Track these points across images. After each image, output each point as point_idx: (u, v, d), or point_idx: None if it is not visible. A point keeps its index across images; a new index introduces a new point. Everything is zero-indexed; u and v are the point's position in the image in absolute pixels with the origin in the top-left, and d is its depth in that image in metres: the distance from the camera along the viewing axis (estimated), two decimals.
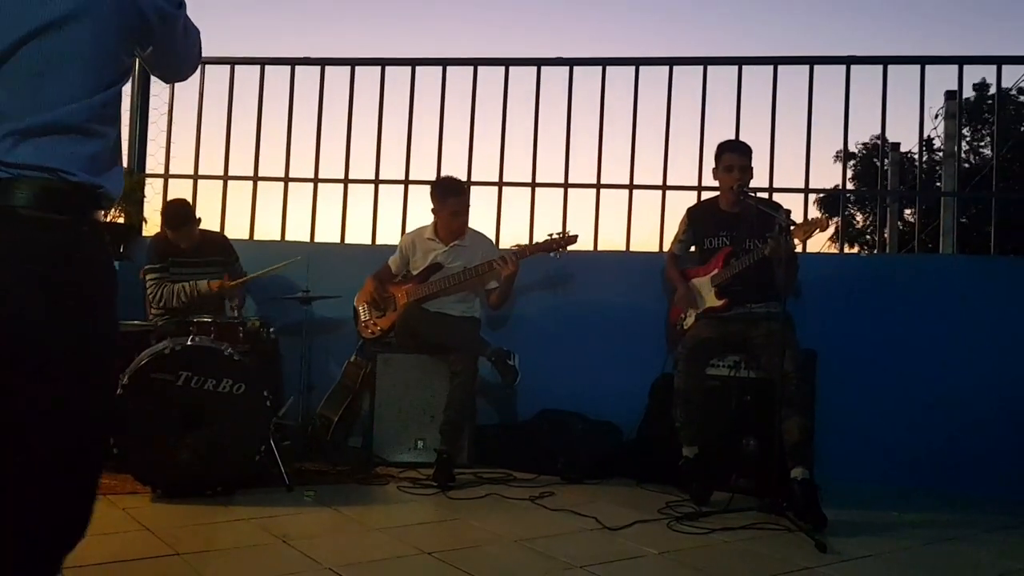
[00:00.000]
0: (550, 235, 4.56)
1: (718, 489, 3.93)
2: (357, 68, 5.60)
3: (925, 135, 5.26)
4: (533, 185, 5.39)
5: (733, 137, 4.80)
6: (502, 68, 5.46)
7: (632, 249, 5.23)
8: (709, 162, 4.46)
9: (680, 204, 5.03)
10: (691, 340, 4.09)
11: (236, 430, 3.60)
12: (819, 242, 23.62)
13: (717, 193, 4.36)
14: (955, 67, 5.12)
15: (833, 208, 11.93)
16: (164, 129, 5.62)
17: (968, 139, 18.93)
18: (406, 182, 5.53)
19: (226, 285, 4.58)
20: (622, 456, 4.45)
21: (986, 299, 4.60)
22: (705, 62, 5.24)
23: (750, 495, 3.84)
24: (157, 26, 1.57)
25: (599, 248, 5.26)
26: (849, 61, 5.07)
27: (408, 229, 5.19)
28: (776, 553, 3.12)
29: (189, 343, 3.70)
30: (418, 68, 5.55)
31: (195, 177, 5.66)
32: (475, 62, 5.50)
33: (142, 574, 2.67)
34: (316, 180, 5.61)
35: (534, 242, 4.60)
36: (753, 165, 4.22)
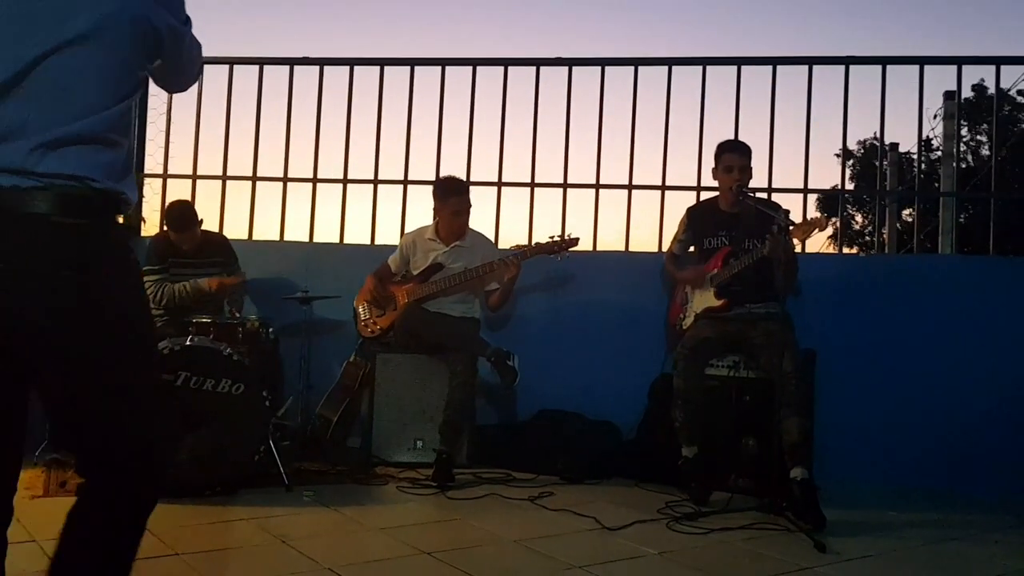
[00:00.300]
0: (551, 237, 4.56)
1: (717, 489, 3.93)
2: (356, 68, 5.60)
3: (924, 135, 5.26)
4: (532, 185, 5.39)
5: (732, 137, 4.80)
6: (501, 68, 5.45)
7: (631, 249, 5.23)
8: (708, 162, 4.47)
9: (679, 204, 5.04)
10: (690, 340, 4.09)
11: (235, 430, 3.60)
12: (818, 242, 23.67)
13: (716, 193, 4.36)
14: (954, 67, 5.12)
15: (832, 208, 11.94)
16: (163, 129, 5.62)
17: (966, 139, 18.96)
18: (405, 182, 5.53)
19: (225, 282, 4.58)
20: (621, 456, 4.45)
21: (985, 299, 4.60)
22: (704, 62, 5.24)
23: (749, 495, 3.84)
24: (168, 41, 1.64)
25: (598, 248, 5.26)
26: (848, 61, 5.07)
27: (407, 229, 5.19)
28: (775, 553, 3.12)
29: (188, 343, 3.69)
30: (417, 68, 5.55)
31: (193, 177, 5.66)
32: (474, 62, 5.50)
33: (142, 574, 2.66)
34: (315, 180, 5.61)
35: (535, 244, 4.60)
36: (752, 165, 4.22)
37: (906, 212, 18.38)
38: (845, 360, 4.48)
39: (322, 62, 5.60)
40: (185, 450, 3.50)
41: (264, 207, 5.63)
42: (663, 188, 5.24)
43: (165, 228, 4.80)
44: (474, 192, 5.00)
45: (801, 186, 5.14)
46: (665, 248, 4.67)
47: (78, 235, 1.47)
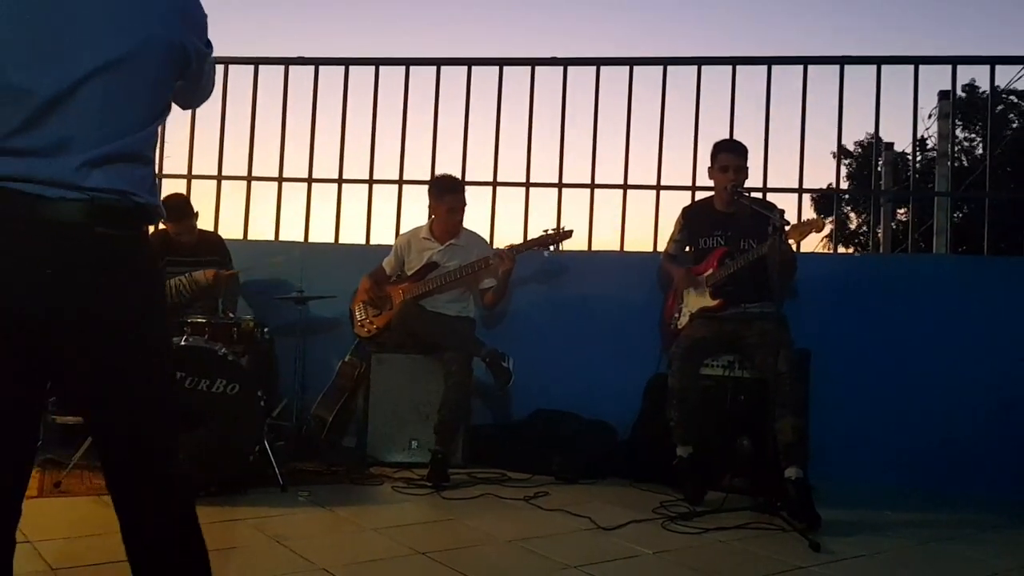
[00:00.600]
0: (545, 231, 4.59)
1: (712, 489, 3.93)
2: (351, 68, 5.60)
3: (918, 135, 5.27)
4: (527, 185, 5.39)
5: (727, 137, 4.80)
6: (496, 68, 5.45)
7: (626, 249, 5.23)
8: (703, 162, 4.47)
9: (674, 204, 5.04)
10: (685, 340, 4.10)
11: (230, 431, 3.59)
12: (813, 242, 23.68)
13: (712, 193, 4.37)
14: (948, 67, 5.14)
15: (827, 208, 11.97)
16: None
17: (960, 139, 19.01)
18: (400, 182, 5.53)
19: (222, 275, 4.54)
20: (616, 456, 4.45)
21: (979, 299, 4.61)
22: (699, 62, 5.25)
23: (744, 495, 3.84)
24: (194, 63, 1.72)
25: (593, 248, 5.27)
26: (843, 61, 5.08)
27: (403, 229, 5.20)
28: (770, 552, 3.12)
29: (183, 343, 3.69)
30: (412, 68, 5.55)
31: (189, 177, 5.65)
32: (469, 62, 5.50)
33: None
34: (310, 180, 5.61)
35: (529, 239, 4.61)
36: (748, 165, 4.23)
37: (901, 211, 18.44)
38: (840, 360, 4.49)
39: (317, 62, 5.59)
40: (180, 450, 3.49)
41: (259, 207, 5.63)
42: (658, 188, 5.24)
43: (161, 225, 4.79)
44: (469, 192, 5.01)
45: (796, 186, 5.14)
46: (660, 248, 4.68)
47: (118, 246, 1.55)
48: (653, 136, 5.26)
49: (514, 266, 4.50)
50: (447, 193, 4.64)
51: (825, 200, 12.02)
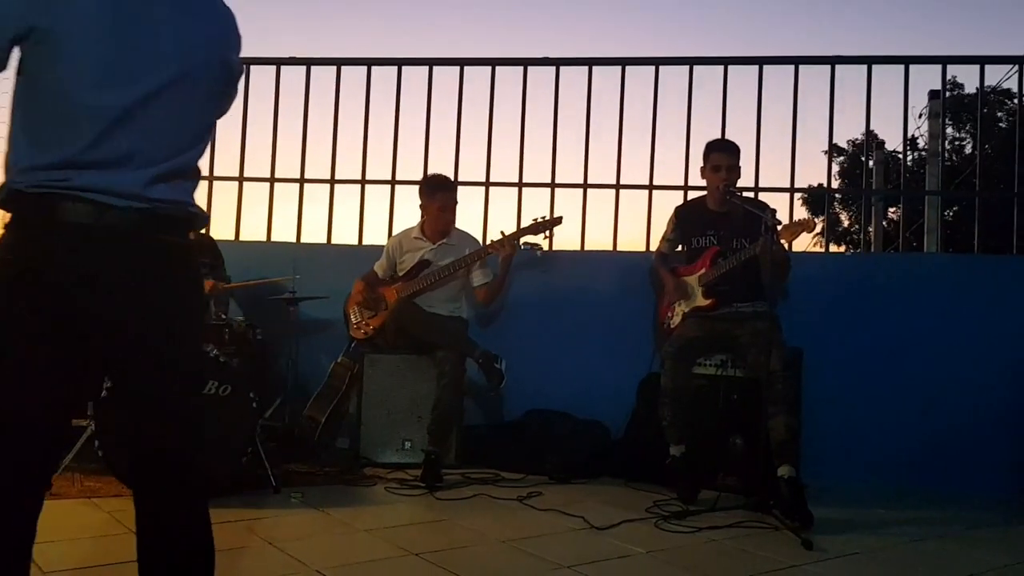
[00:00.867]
0: (535, 219, 4.61)
1: (705, 488, 3.94)
2: (343, 68, 5.59)
3: (909, 134, 5.29)
4: (520, 185, 5.39)
5: (719, 137, 4.81)
6: (488, 68, 5.45)
7: (619, 249, 5.24)
8: (696, 161, 4.48)
9: (667, 204, 5.04)
10: (678, 339, 4.10)
11: (222, 432, 3.58)
12: (804, 241, 23.77)
13: (704, 192, 4.37)
14: (938, 67, 5.15)
15: (818, 207, 11.99)
16: None
17: (951, 137, 19.08)
18: (393, 182, 5.52)
19: (220, 287, 4.50)
20: (610, 455, 4.46)
21: (970, 297, 4.63)
22: (691, 62, 5.25)
23: (737, 494, 3.86)
24: (233, 82, 1.85)
25: (586, 248, 5.27)
26: (834, 61, 5.09)
27: (395, 229, 5.19)
28: (763, 551, 3.13)
29: None
30: (405, 68, 5.54)
31: None
32: (462, 62, 5.50)
33: None
34: (302, 180, 5.60)
35: (521, 227, 4.64)
36: (740, 165, 4.24)
37: (892, 210, 18.50)
38: (832, 358, 4.50)
39: (309, 62, 5.58)
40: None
41: (251, 208, 5.62)
42: (651, 187, 5.25)
43: None
44: (462, 192, 5.01)
45: (787, 185, 5.16)
46: (653, 247, 4.69)
47: (176, 252, 1.69)
48: (645, 136, 5.27)
49: (515, 252, 4.50)
50: (439, 191, 4.64)
51: (816, 199, 12.08)
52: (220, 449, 3.57)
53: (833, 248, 18.88)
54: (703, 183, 4.36)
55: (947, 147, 16.63)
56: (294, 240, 5.51)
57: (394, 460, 4.44)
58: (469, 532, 3.33)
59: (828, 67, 5.09)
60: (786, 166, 5.16)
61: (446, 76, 5.51)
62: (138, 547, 1.72)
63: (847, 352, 4.62)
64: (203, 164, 1.83)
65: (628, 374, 4.54)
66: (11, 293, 1.59)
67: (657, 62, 5.28)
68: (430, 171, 5.29)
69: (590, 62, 5.37)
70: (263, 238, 5.56)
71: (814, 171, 8.55)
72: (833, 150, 5.49)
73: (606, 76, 5.38)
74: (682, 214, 4.42)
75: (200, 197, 1.80)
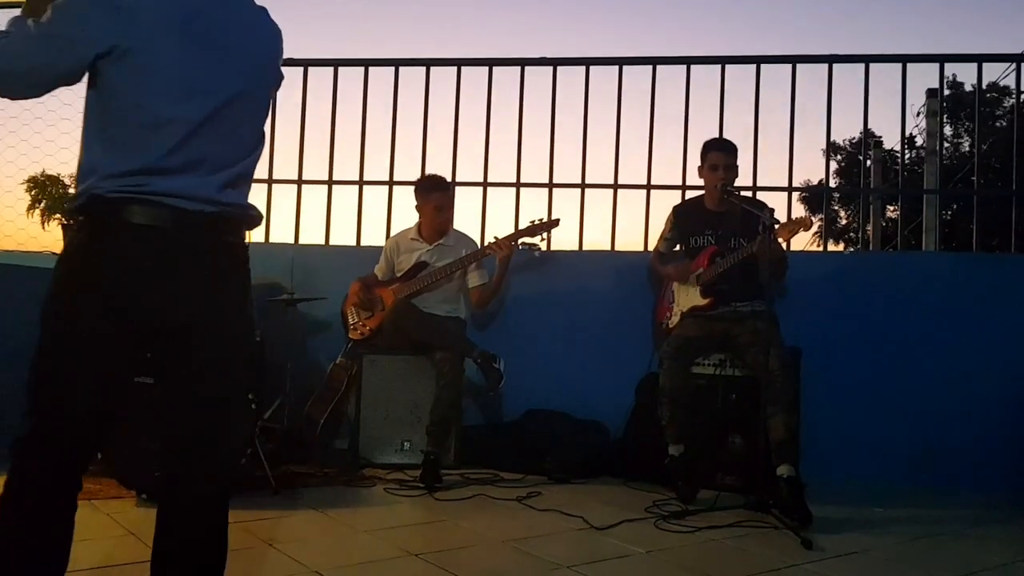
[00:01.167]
0: (532, 221, 4.61)
1: (704, 487, 3.94)
2: (340, 69, 5.59)
3: (907, 132, 5.29)
4: (518, 185, 5.39)
5: (717, 136, 4.81)
6: (486, 68, 5.45)
7: (617, 249, 5.23)
8: (693, 161, 4.48)
9: (665, 203, 5.05)
10: (676, 339, 4.10)
11: None
12: (803, 240, 23.77)
13: (702, 192, 4.37)
14: (936, 65, 5.16)
15: (816, 205, 11.99)
16: None
17: (949, 136, 19.08)
18: (390, 183, 5.52)
19: None
20: (609, 455, 4.46)
21: (969, 295, 4.63)
22: (688, 61, 5.25)
23: (736, 493, 3.86)
24: (276, 91, 2.03)
25: (584, 248, 5.27)
26: (831, 60, 5.09)
27: (393, 230, 5.19)
28: (762, 550, 3.13)
29: None
30: (401, 68, 5.54)
31: None
32: (458, 62, 5.50)
33: None
34: (300, 181, 5.59)
35: (518, 229, 4.64)
36: (738, 164, 4.24)
37: (890, 209, 18.51)
38: (831, 357, 4.51)
39: (306, 63, 5.58)
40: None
41: None
42: (648, 187, 5.25)
43: None
44: (459, 192, 5.00)
45: (785, 184, 5.16)
46: (651, 247, 4.69)
47: (238, 252, 1.84)
48: (643, 135, 5.27)
49: (512, 254, 4.50)
50: (434, 191, 4.64)
51: (814, 198, 12.07)
52: None
53: (831, 247, 18.94)
54: (701, 182, 4.36)
55: (945, 145, 16.64)
56: (292, 241, 5.51)
57: (393, 461, 4.43)
58: (468, 533, 3.33)
59: (826, 66, 5.09)
60: (784, 165, 5.17)
61: (443, 76, 5.51)
62: (156, 544, 1.79)
63: (846, 351, 4.62)
64: None
65: (627, 374, 4.54)
66: (81, 293, 1.70)
67: (654, 62, 5.28)
68: (428, 172, 5.29)
69: (587, 62, 5.37)
70: (261, 239, 5.55)
71: (812, 170, 8.57)
72: (831, 149, 5.49)
73: (603, 76, 5.38)
74: (680, 213, 4.42)
75: None
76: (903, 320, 4.64)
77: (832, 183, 18.85)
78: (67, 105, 4.46)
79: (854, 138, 20.49)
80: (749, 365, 3.97)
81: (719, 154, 4.20)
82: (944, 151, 17.44)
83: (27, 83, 1.67)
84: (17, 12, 1.76)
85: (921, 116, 12.94)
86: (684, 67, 5.24)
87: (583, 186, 5.32)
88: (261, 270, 5.09)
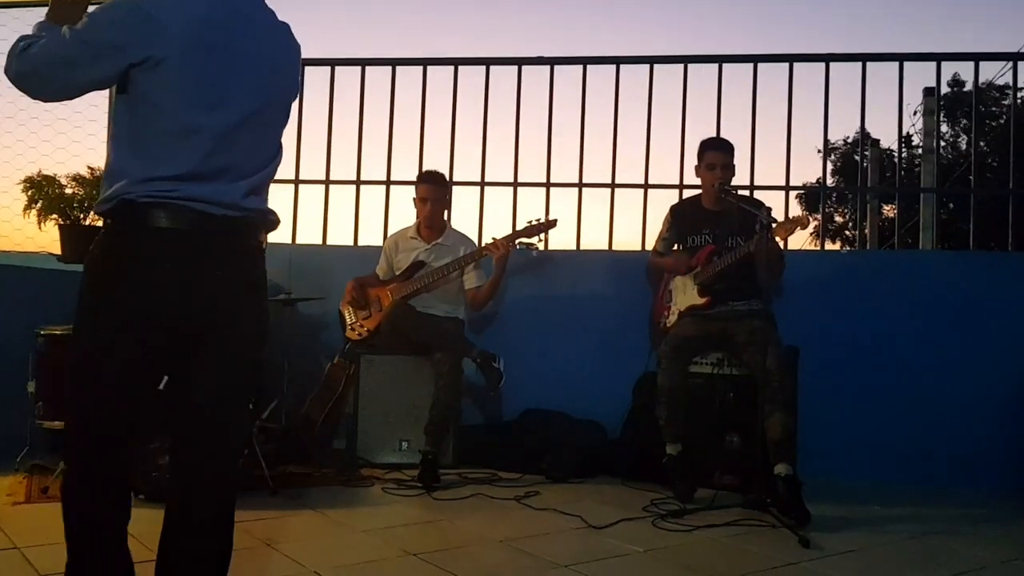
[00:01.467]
0: (529, 221, 4.61)
1: (702, 486, 3.94)
2: (337, 68, 5.58)
3: (904, 131, 5.29)
4: (515, 185, 5.39)
5: (714, 135, 4.81)
6: (483, 68, 5.45)
7: (615, 248, 5.23)
8: (691, 160, 4.48)
9: (662, 203, 5.05)
10: (673, 339, 4.10)
11: None
12: (800, 238, 23.79)
13: (700, 191, 4.37)
14: (933, 64, 5.16)
15: (813, 205, 12.01)
16: None
17: (946, 135, 19.09)
18: (387, 183, 5.52)
19: None
20: (607, 454, 4.46)
21: (966, 294, 4.63)
22: (685, 60, 5.25)
23: (734, 492, 3.86)
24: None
25: (582, 247, 5.27)
26: (828, 58, 5.09)
27: (390, 230, 5.19)
28: (760, 549, 3.13)
29: None
30: (398, 68, 5.54)
31: None
32: (456, 62, 5.49)
33: None
34: (297, 181, 5.59)
35: (516, 230, 4.64)
36: (735, 163, 4.24)
37: (887, 208, 18.52)
38: (828, 356, 4.51)
39: (303, 63, 5.56)
40: (167, 454, 3.48)
41: None
42: (646, 186, 5.24)
43: None
44: (457, 192, 4.99)
45: (782, 183, 5.16)
46: (648, 246, 4.68)
47: (259, 254, 1.93)
48: (640, 135, 5.27)
49: (509, 253, 4.50)
50: (421, 183, 4.70)
51: (811, 196, 12.09)
52: None
53: (829, 245, 18.95)
54: (698, 182, 4.36)
55: (942, 144, 16.66)
56: (289, 241, 5.50)
57: (391, 461, 4.43)
58: (467, 532, 3.33)
59: (823, 64, 5.09)
60: (781, 164, 5.17)
61: (441, 76, 5.51)
62: (164, 541, 1.86)
63: (843, 349, 4.62)
64: None
65: (624, 373, 4.55)
66: (109, 294, 1.78)
67: (651, 60, 5.29)
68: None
69: (584, 61, 5.37)
70: None
71: (809, 169, 8.58)
72: (828, 148, 5.49)
73: (600, 75, 5.38)
74: (678, 213, 4.42)
75: None
76: (900, 319, 4.64)
77: (828, 183, 18.88)
78: (64, 105, 4.46)
79: (849, 137, 20.55)
80: (747, 364, 3.97)
81: (716, 153, 4.20)
82: (942, 149, 17.46)
83: (60, 86, 1.77)
84: (15, 12, 1.79)
85: (918, 115, 12.96)
86: (681, 66, 5.24)
87: (580, 185, 5.32)
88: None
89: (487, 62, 5.46)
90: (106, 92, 2.85)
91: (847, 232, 22.59)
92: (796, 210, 12.39)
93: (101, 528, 1.83)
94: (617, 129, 5.30)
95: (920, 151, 13.63)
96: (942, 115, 15.80)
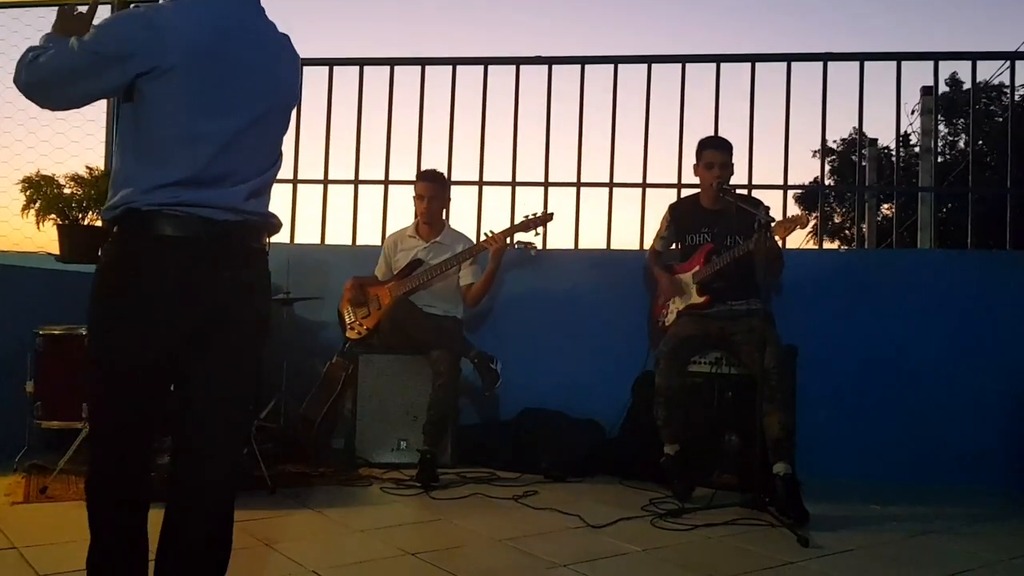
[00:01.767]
0: (526, 216, 4.62)
1: (701, 485, 3.94)
2: (336, 68, 5.58)
3: (902, 130, 5.30)
4: (513, 184, 5.39)
5: (712, 134, 4.80)
6: (481, 67, 5.45)
7: (613, 247, 5.23)
8: (689, 159, 4.48)
9: (660, 202, 5.05)
10: (672, 339, 4.10)
11: None
12: (798, 237, 23.80)
13: (698, 190, 4.37)
14: (931, 63, 5.16)
15: (812, 203, 12.01)
16: None
17: (944, 133, 19.09)
18: (386, 182, 5.52)
19: None
20: (605, 454, 4.46)
21: (964, 293, 4.64)
22: (683, 59, 5.25)
23: (732, 491, 3.86)
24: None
25: (580, 247, 5.27)
26: (826, 58, 5.10)
27: (389, 230, 5.19)
28: (759, 548, 3.14)
29: None
30: (397, 68, 5.54)
31: None
32: (454, 61, 5.50)
33: None
34: (295, 181, 5.59)
35: (513, 224, 4.66)
36: (733, 162, 4.24)
37: (885, 207, 18.53)
38: (827, 355, 4.51)
39: (302, 62, 5.55)
40: (165, 453, 3.47)
41: None
42: (644, 186, 5.25)
43: None
44: (455, 191, 4.99)
45: (780, 182, 5.16)
46: (647, 245, 4.69)
47: (261, 256, 1.97)
48: (638, 134, 5.27)
49: (506, 247, 4.50)
50: (418, 180, 4.73)
51: (809, 196, 12.10)
52: None
53: (827, 244, 18.97)
54: (696, 181, 4.36)
55: (940, 143, 16.66)
56: (287, 240, 5.50)
57: (390, 460, 4.43)
58: (465, 531, 3.33)
59: (820, 64, 5.09)
60: (779, 163, 5.17)
61: (439, 75, 5.51)
62: (163, 538, 1.89)
63: (842, 349, 4.63)
64: None
65: (623, 373, 4.55)
66: (119, 301, 1.82)
67: (649, 60, 5.28)
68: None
69: (582, 60, 5.37)
70: None
71: (807, 168, 8.58)
72: (826, 147, 5.49)
73: (598, 74, 5.38)
74: (676, 211, 4.42)
75: None
76: (898, 317, 4.64)
77: (827, 182, 18.88)
78: None
79: (846, 138, 20.55)
80: (745, 363, 3.97)
81: (715, 152, 4.21)
82: (941, 148, 17.47)
83: (68, 96, 1.83)
84: (14, 12, 1.81)
85: (916, 114, 12.96)
86: (679, 66, 5.24)
87: (579, 184, 5.32)
88: None
89: (485, 62, 5.46)
90: None
91: (846, 231, 22.61)
92: (794, 209, 12.36)
93: (121, 521, 1.90)
94: (615, 128, 5.31)
95: (918, 150, 13.64)
96: (940, 115, 15.82)
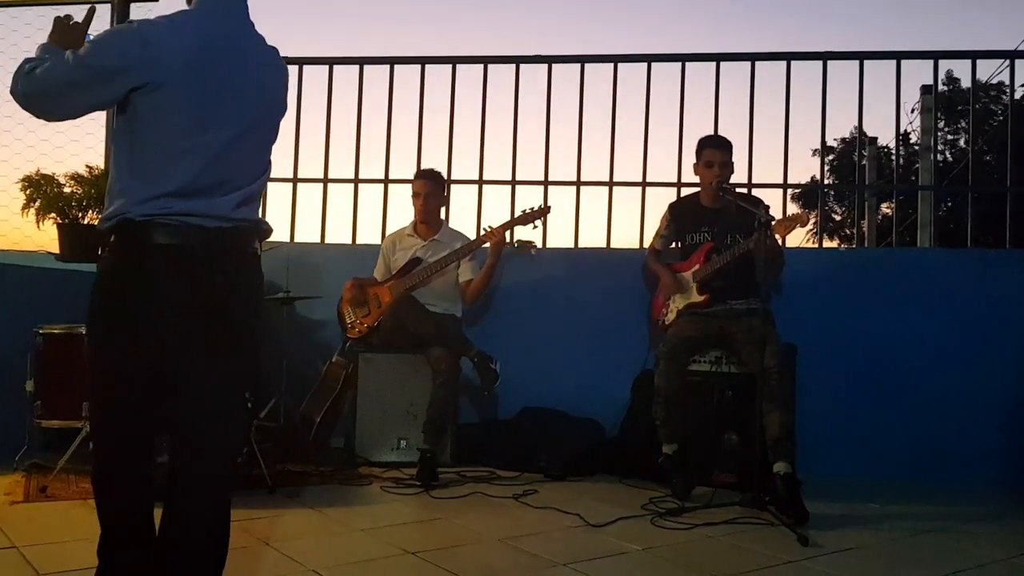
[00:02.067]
0: (524, 210, 4.63)
1: (700, 484, 3.94)
2: (335, 67, 5.58)
3: (901, 129, 5.29)
4: (513, 183, 5.39)
5: (712, 133, 4.80)
6: (481, 66, 5.45)
7: (613, 246, 5.23)
8: (688, 158, 4.48)
9: (660, 201, 5.04)
10: (672, 339, 4.10)
11: None
12: (798, 236, 23.81)
13: (698, 189, 4.37)
14: (930, 62, 5.16)
15: (811, 202, 12.01)
16: None
17: (944, 132, 19.09)
18: (385, 181, 5.52)
19: None
20: (605, 453, 4.46)
21: (964, 291, 4.64)
22: (683, 59, 5.25)
23: (732, 490, 3.86)
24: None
25: (580, 245, 5.27)
26: (826, 57, 5.10)
27: (389, 228, 5.19)
28: (759, 547, 3.13)
29: None
30: (397, 67, 5.54)
31: None
32: (454, 60, 5.50)
33: None
34: (295, 180, 5.59)
35: (512, 218, 4.67)
36: (733, 160, 4.24)
37: (885, 206, 18.53)
38: (826, 354, 4.51)
39: (301, 61, 5.56)
40: (165, 452, 3.47)
41: None
42: (644, 184, 5.25)
43: None
44: (455, 190, 4.98)
45: (780, 181, 5.16)
46: (646, 244, 4.68)
47: (254, 261, 2.04)
48: (638, 133, 5.27)
49: (504, 241, 4.51)
50: (416, 179, 4.74)
51: (809, 195, 12.10)
52: None
53: (827, 243, 18.97)
54: (696, 179, 4.36)
55: (940, 142, 16.66)
56: (287, 240, 5.50)
57: (389, 459, 4.43)
58: (465, 530, 3.33)
59: (820, 63, 5.09)
60: (779, 162, 5.17)
61: (438, 74, 5.52)
62: (161, 536, 1.92)
63: (841, 347, 4.63)
64: None
65: (623, 372, 4.55)
66: (117, 307, 1.89)
67: (649, 59, 5.28)
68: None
69: (582, 59, 5.37)
70: None
71: (806, 167, 8.58)
72: (825, 146, 5.50)
73: (598, 73, 5.38)
74: (676, 210, 4.42)
75: None
76: (898, 316, 4.64)
77: (827, 181, 18.87)
78: None
79: (846, 137, 20.56)
80: (745, 362, 3.97)
81: (714, 151, 4.20)
82: (941, 147, 17.48)
83: (64, 108, 1.91)
84: (13, 11, 1.83)
85: (915, 113, 12.98)
86: (679, 64, 5.24)
87: (578, 183, 5.32)
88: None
89: (485, 60, 5.46)
90: None
91: (845, 230, 22.62)
92: (794, 208, 12.40)
93: (127, 515, 1.96)
94: (615, 127, 5.31)
95: (918, 149, 13.65)
96: (940, 114, 15.81)
